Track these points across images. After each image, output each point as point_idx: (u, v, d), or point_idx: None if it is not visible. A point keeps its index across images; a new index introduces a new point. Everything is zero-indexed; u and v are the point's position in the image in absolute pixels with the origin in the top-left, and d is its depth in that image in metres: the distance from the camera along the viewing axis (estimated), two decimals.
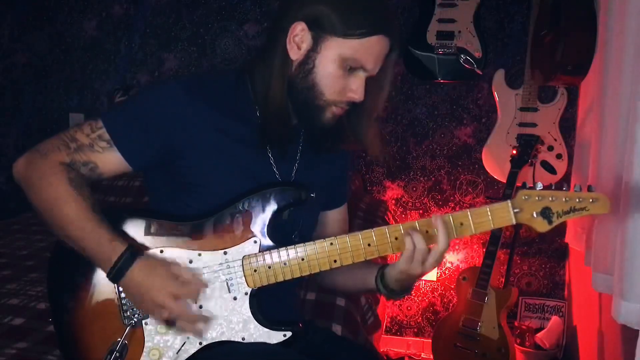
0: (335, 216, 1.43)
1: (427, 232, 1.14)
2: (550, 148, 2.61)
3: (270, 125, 1.19)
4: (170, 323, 1.15)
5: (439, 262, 1.15)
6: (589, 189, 1.11)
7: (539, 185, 1.12)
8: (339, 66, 1.14)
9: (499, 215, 1.12)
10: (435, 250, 1.13)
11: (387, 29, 1.15)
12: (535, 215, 1.12)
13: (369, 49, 1.14)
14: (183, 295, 1.13)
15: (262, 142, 1.21)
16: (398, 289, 1.24)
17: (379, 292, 1.26)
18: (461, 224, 1.13)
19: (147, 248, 1.17)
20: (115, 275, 1.12)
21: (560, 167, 2.62)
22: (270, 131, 1.19)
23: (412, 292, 3.02)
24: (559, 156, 2.62)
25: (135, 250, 1.13)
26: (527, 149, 2.51)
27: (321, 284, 1.44)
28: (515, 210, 1.12)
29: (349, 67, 1.15)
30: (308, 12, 1.13)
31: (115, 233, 1.13)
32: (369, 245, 1.15)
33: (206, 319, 1.16)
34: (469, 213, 1.13)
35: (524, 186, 1.14)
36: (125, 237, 1.16)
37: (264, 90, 1.18)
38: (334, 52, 1.13)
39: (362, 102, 1.20)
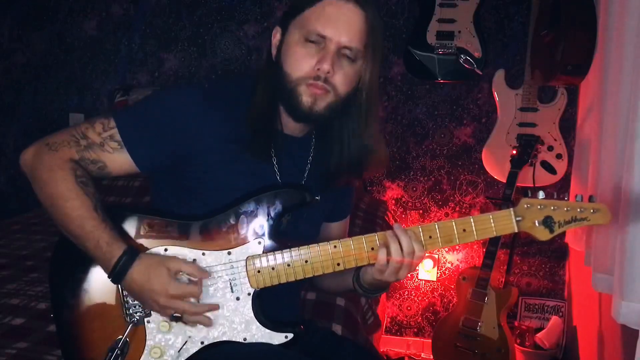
0: (337, 228, 1.44)
1: (430, 237, 1.15)
2: (550, 148, 2.62)
3: (253, 129, 1.18)
4: (175, 320, 1.15)
5: (412, 271, 1.17)
6: (591, 199, 1.12)
7: (541, 194, 1.13)
8: (300, 44, 1.14)
9: (501, 222, 1.14)
10: (407, 262, 1.13)
11: None
12: (537, 223, 1.13)
13: (321, 15, 1.13)
14: (184, 294, 1.13)
15: (247, 148, 1.19)
16: (373, 289, 1.27)
17: (356, 292, 1.28)
18: (464, 230, 1.14)
19: (149, 247, 1.17)
20: (115, 277, 1.13)
21: (560, 167, 2.62)
22: (253, 135, 1.19)
23: (401, 291, 3.03)
24: (558, 156, 2.62)
25: (134, 251, 1.13)
26: (527, 149, 2.51)
27: (315, 286, 1.46)
28: (518, 219, 1.13)
29: (311, 41, 1.13)
30: (282, 16, 1.18)
31: (115, 234, 1.13)
32: (372, 249, 1.15)
33: (212, 308, 1.16)
34: (471, 220, 1.14)
35: (526, 194, 1.15)
36: (126, 237, 1.16)
37: (251, 104, 1.19)
38: (297, 30, 1.15)
39: (358, 101, 1.20)
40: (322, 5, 1.13)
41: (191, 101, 1.17)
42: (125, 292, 1.18)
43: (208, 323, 1.16)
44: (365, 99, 1.21)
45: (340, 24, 1.13)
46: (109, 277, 1.14)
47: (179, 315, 1.14)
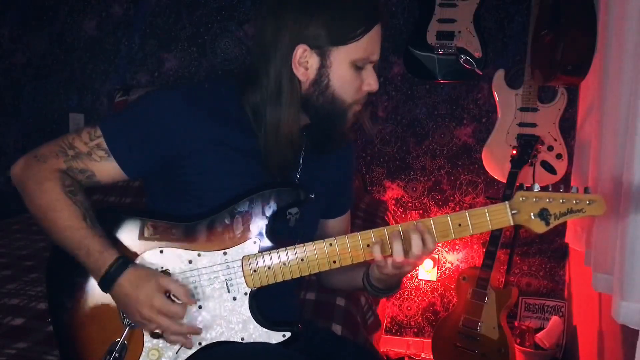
0: (337, 225, 1.43)
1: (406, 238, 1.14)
2: (550, 148, 2.61)
3: (278, 153, 1.18)
4: (155, 336, 1.14)
5: (416, 267, 1.17)
6: (586, 190, 1.12)
7: (536, 187, 1.13)
8: (350, 69, 1.16)
9: (496, 216, 1.13)
10: (411, 257, 1.12)
11: (380, 16, 1.17)
12: (532, 216, 1.13)
13: (372, 43, 1.16)
14: (169, 313, 1.12)
15: (267, 170, 1.20)
16: (383, 287, 1.26)
17: (366, 290, 1.27)
18: (459, 224, 1.14)
19: (145, 248, 1.17)
20: (105, 285, 1.13)
21: (560, 167, 2.62)
22: (276, 158, 1.19)
23: (401, 291, 3.02)
24: (559, 156, 2.61)
25: (125, 260, 1.13)
26: (527, 149, 2.51)
27: (321, 283, 1.46)
28: (513, 212, 1.13)
29: (360, 66, 1.17)
30: (304, 34, 1.13)
31: (106, 242, 1.13)
32: (367, 246, 1.15)
33: (195, 331, 1.16)
34: (467, 214, 1.14)
35: (521, 187, 1.14)
36: (118, 244, 1.16)
37: (274, 121, 1.16)
38: (344, 60, 1.15)
39: None
40: (372, 35, 1.15)
41: (176, 103, 1.17)
42: None
43: (188, 345, 1.16)
44: None
45: (379, 45, 1.19)
46: (98, 283, 1.14)
47: (159, 332, 1.13)
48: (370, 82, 1.19)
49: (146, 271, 1.14)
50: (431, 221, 1.14)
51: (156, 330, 1.13)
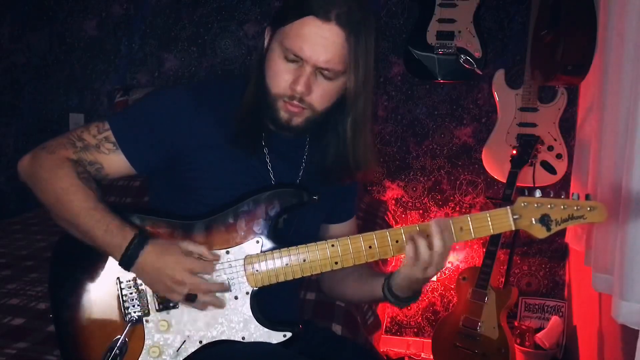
0: (341, 230, 1.42)
1: (427, 236, 1.14)
2: (550, 148, 2.61)
3: (240, 121, 1.18)
4: (190, 299, 1.14)
5: (441, 267, 1.15)
6: (587, 197, 1.13)
7: (538, 193, 1.14)
8: (280, 57, 1.13)
9: (498, 221, 1.14)
10: (435, 255, 1.11)
11: (318, 10, 1.08)
12: (534, 221, 1.14)
13: (299, 34, 1.10)
14: (199, 268, 1.13)
15: (233, 140, 1.19)
16: (404, 295, 1.23)
17: (387, 300, 1.25)
18: (461, 228, 1.14)
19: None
20: (127, 261, 1.12)
21: (560, 167, 2.62)
22: (239, 129, 1.19)
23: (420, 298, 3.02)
24: (558, 156, 2.62)
25: (145, 235, 1.14)
26: (527, 149, 2.51)
27: (329, 293, 1.43)
28: (515, 217, 1.14)
29: (291, 59, 1.12)
30: (272, 17, 1.17)
31: (123, 219, 1.14)
32: (369, 247, 1.15)
33: (223, 288, 1.16)
34: (468, 218, 1.15)
35: (523, 193, 1.15)
36: (134, 224, 1.17)
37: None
38: (275, 45, 1.14)
39: (350, 113, 1.19)
40: (302, 24, 1.10)
41: (183, 100, 1.18)
42: (124, 292, 1.18)
43: (220, 305, 1.16)
44: (352, 109, 1.20)
45: (319, 46, 1.10)
46: (120, 262, 1.13)
47: (194, 293, 1.13)
48: (293, 79, 1.12)
49: (166, 241, 1.15)
50: None
51: (190, 292, 1.13)
